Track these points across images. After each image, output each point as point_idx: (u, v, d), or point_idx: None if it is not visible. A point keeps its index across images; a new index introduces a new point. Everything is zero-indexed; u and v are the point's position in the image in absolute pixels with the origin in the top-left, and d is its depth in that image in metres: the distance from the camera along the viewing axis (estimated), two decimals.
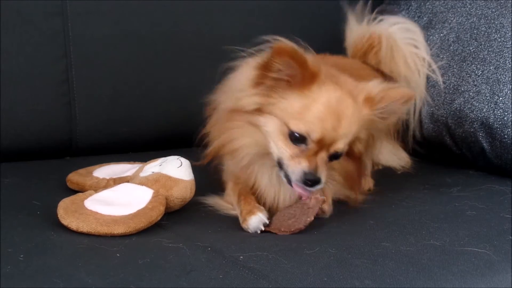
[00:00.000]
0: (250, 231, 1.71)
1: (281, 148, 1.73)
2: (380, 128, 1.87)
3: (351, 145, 1.79)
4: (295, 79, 1.72)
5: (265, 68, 1.74)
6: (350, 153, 1.82)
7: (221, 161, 1.98)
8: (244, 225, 1.73)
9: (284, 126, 1.73)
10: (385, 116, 1.81)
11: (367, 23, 2.41)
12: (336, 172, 1.86)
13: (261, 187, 1.83)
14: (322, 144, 1.71)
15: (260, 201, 1.82)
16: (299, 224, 1.69)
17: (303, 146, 1.71)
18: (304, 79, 1.72)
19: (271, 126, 1.75)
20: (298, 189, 1.73)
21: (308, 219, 1.69)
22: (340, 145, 1.73)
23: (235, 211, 1.82)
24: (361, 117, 1.76)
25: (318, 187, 1.71)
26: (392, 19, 2.42)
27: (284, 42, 1.71)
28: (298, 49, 1.70)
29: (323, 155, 1.72)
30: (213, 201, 1.89)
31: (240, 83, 1.82)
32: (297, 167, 1.70)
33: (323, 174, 1.71)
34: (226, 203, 1.87)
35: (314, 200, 1.71)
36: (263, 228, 1.71)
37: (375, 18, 2.41)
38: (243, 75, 1.83)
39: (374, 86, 1.81)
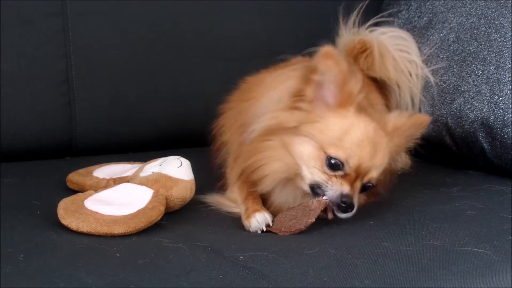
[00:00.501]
0: (251, 229, 1.71)
1: (316, 173, 1.71)
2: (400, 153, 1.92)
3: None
4: (335, 94, 1.71)
5: (309, 72, 1.72)
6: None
7: (226, 158, 1.99)
8: (246, 222, 1.73)
9: (321, 151, 1.71)
10: (406, 144, 1.87)
11: (358, 31, 2.41)
12: None
13: (275, 202, 1.82)
14: (358, 172, 1.71)
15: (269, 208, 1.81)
16: (299, 225, 1.69)
17: (340, 172, 1.70)
18: (343, 96, 1.72)
19: (306, 149, 1.72)
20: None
21: (309, 220, 1.68)
22: (374, 175, 1.73)
23: (237, 209, 1.82)
24: (391, 148, 1.79)
25: (349, 214, 1.70)
26: (384, 29, 2.42)
27: (331, 47, 1.71)
28: (342, 60, 1.71)
29: (357, 184, 1.72)
30: (213, 199, 1.89)
31: (279, 95, 1.81)
32: (338, 186, 1.69)
33: (356, 203, 1.71)
34: (228, 200, 1.87)
35: (317, 203, 1.70)
36: (265, 228, 1.71)
37: (369, 28, 2.42)
38: (282, 87, 1.83)
39: (398, 116, 1.86)
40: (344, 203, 1.68)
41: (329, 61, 1.69)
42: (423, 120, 1.90)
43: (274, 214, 1.76)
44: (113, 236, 1.61)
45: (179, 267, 1.46)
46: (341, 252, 1.55)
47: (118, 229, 1.62)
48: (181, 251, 1.54)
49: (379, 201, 1.91)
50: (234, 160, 1.90)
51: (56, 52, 2.35)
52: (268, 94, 1.87)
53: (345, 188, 1.69)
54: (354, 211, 1.70)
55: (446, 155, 2.32)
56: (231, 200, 1.87)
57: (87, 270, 1.42)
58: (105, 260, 1.48)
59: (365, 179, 1.73)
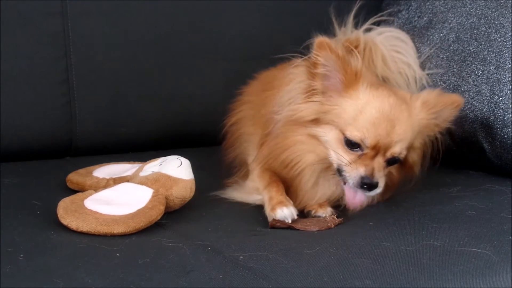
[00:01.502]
0: (277, 216, 1.73)
1: (340, 156, 1.77)
2: (433, 136, 1.91)
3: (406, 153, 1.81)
4: (341, 79, 1.76)
5: (311, 67, 1.78)
6: (403, 161, 1.84)
7: (242, 148, 2.03)
8: (272, 213, 1.75)
9: (340, 134, 1.77)
10: (438, 122, 1.87)
11: (351, 31, 2.42)
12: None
13: (303, 190, 1.85)
14: (377, 149, 1.74)
15: (291, 196, 1.84)
16: (313, 227, 1.73)
17: (359, 151, 1.75)
18: (348, 78, 1.76)
19: (329, 135, 1.79)
20: (351, 195, 1.78)
21: (329, 224, 1.74)
22: (397, 149, 1.75)
23: (257, 197, 1.85)
24: (416, 122, 1.81)
25: (377, 191, 1.75)
26: (382, 29, 2.43)
27: (324, 37, 1.76)
28: (337, 45, 1.77)
29: (379, 160, 1.75)
30: (229, 194, 1.93)
31: (292, 93, 1.85)
32: (354, 172, 1.74)
33: (380, 179, 1.74)
34: (246, 190, 1.90)
35: (332, 220, 1.75)
36: (290, 221, 1.73)
37: (369, 29, 2.42)
38: (294, 85, 1.86)
39: (429, 92, 1.88)
40: (366, 184, 1.73)
41: (324, 51, 1.74)
42: (455, 100, 1.89)
43: (302, 205, 1.83)
44: (113, 236, 1.61)
45: (179, 267, 1.46)
46: (341, 252, 1.55)
47: (118, 229, 1.62)
48: (181, 251, 1.54)
49: (378, 201, 1.91)
50: (258, 148, 1.93)
51: (56, 52, 2.35)
52: (284, 89, 1.90)
53: (361, 171, 1.73)
54: (379, 188, 1.74)
55: (446, 155, 2.32)
56: (251, 189, 1.89)
57: (87, 270, 1.42)
58: (105, 260, 1.48)
59: (388, 154, 1.75)
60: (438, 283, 1.43)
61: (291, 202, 1.80)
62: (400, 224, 1.74)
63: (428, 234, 1.66)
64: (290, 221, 1.73)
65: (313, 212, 1.82)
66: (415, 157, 1.88)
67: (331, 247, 1.57)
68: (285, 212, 1.74)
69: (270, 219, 1.75)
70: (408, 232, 1.68)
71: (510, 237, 1.63)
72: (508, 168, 2.14)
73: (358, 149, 1.75)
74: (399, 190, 1.94)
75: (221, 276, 1.43)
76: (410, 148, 1.83)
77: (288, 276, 1.43)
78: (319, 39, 1.75)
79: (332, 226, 1.73)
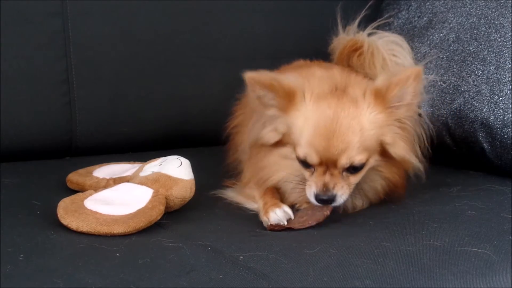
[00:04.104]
0: (270, 221, 1.72)
1: (303, 173, 1.78)
2: (410, 118, 1.82)
3: (386, 150, 1.78)
4: (279, 102, 1.76)
5: (256, 99, 1.79)
6: (390, 157, 1.81)
7: (238, 155, 2.04)
8: (264, 218, 1.74)
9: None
10: (406, 102, 1.77)
11: (354, 32, 2.42)
12: (379, 177, 1.85)
13: (290, 200, 1.86)
14: (325, 163, 1.72)
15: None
16: (311, 220, 1.72)
17: (312, 168, 1.75)
18: (283, 100, 1.75)
19: (294, 154, 1.79)
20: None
21: (325, 213, 1.73)
22: (343, 161, 1.72)
23: (254, 205, 1.84)
24: (369, 121, 1.74)
25: (336, 203, 1.73)
26: (383, 33, 2.43)
27: (250, 72, 1.76)
28: (263, 74, 1.76)
29: (334, 172, 1.73)
30: (229, 194, 1.93)
31: (254, 120, 1.88)
32: (308, 190, 1.74)
33: (340, 190, 1.72)
34: (244, 196, 1.90)
35: (327, 207, 1.75)
36: (286, 223, 1.72)
37: (370, 31, 2.43)
38: (254, 113, 1.89)
39: (380, 79, 1.79)
40: (322, 201, 1.72)
41: (252, 83, 1.76)
42: (411, 72, 1.76)
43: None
44: (113, 236, 1.61)
45: (179, 267, 1.46)
46: (341, 252, 1.55)
47: (118, 229, 1.62)
48: (181, 251, 1.54)
49: (378, 201, 1.91)
50: (247, 160, 1.95)
51: (56, 52, 2.35)
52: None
53: (313, 188, 1.73)
54: (339, 200, 1.72)
55: (446, 155, 2.32)
56: (248, 196, 1.89)
57: (87, 270, 1.42)
58: (105, 260, 1.48)
59: (339, 166, 1.72)
60: (438, 283, 1.43)
61: (286, 205, 1.78)
62: (400, 224, 1.74)
63: (428, 234, 1.66)
64: (285, 223, 1.72)
65: (297, 206, 1.82)
66: (398, 150, 1.80)
67: (331, 247, 1.57)
68: (278, 214, 1.73)
69: (265, 224, 1.74)
70: (408, 232, 1.68)
71: (510, 237, 1.63)
72: (508, 168, 2.14)
73: (311, 167, 1.75)
74: (416, 184, 1.92)
75: (221, 276, 1.43)
76: (383, 144, 1.77)
77: (288, 276, 1.43)
78: (247, 77, 1.76)
79: (328, 212, 1.72)
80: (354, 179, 1.76)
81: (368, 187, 1.85)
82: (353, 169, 1.74)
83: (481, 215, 1.79)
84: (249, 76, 1.76)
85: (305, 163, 1.76)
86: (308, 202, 1.79)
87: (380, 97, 1.75)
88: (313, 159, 1.73)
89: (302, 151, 1.74)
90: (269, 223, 1.73)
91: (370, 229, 1.72)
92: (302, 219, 1.74)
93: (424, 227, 1.71)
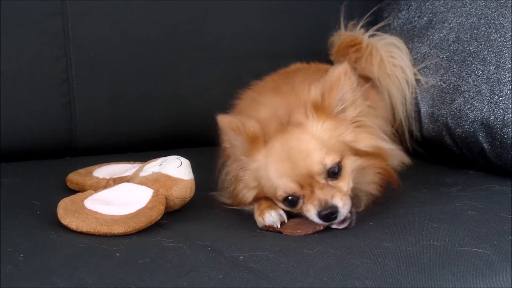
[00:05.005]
0: (266, 222, 1.72)
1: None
2: (362, 113, 1.82)
3: (356, 148, 1.78)
4: (246, 147, 1.76)
5: (232, 154, 1.80)
6: (364, 153, 1.79)
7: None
8: (260, 218, 1.74)
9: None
10: (348, 102, 1.77)
11: (354, 30, 2.46)
12: (371, 170, 1.84)
13: None
14: (306, 183, 1.70)
15: None
16: (307, 230, 1.70)
17: (300, 201, 1.72)
18: (250, 145, 1.76)
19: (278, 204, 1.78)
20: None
21: (317, 228, 1.70)
22: (316, 167, 1.69)
23: (250, 206, 1.83)
24: (319, 130, 1.75)
25: (340, 215, 1.68)
26: (383, 35, 2.45)
27: (222, 117, 1.80)
28: (233, 120, 1.78)
29: (320, 186, 1.70)
30: (224, 198, 1.90)
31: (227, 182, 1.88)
32: (310, 214, 1.69)
33: (338, 202, 1.68)
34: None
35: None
36: (279, 225, 1.72)
37: (371, 33, 2.45)
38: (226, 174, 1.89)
39: (311, 93, 1.78)
40: (326, 217, 1.68)
41: (226, 130, 1.78)
42: (339, 72, 1.75)
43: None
44: (113, 236, 1.61)
45: (179, 267, 1.46)
46: (341, 252, 1.55)
47: (118, 229, 1.62)
48: (181, 251, 1.54)
49: (379, 201, 1.91)
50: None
51: (56, 52, 2.35)
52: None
53: (312, 211, 1.68)
54: (342, 211, 1.68)
55: (446, 155, 2.32)
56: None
57: (87, 270, 1.43)
58: (105, 260, 1.48)
59: (318, 174, 1.70)
60: (438, 283, 1.43)
61: (280, 208, 1.78)
62: (400, 224, 1.74)
63: (428, 234, 1.66)
64: (279, 226, 1.72)
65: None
66: (365, 143, 1.79)
67: (331, 247, 1.57)
68: (273, 216, 1.73)
69: (259, 225, 1.74)
70: (408, 232, 1.68)
71: (510, 237, 1.63)
72: (508, 168, 2.14)
73: (295, 203, 1.72)
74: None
75: (221, 276, 1.43)
76: (346, 146, 1.76)
77: (288, 276, 1.43)
78: (220, 121, 1.78)
79: (321, 228, 1.70)
80: (343, 184, 1.73)
81: (365, 185, 1.84)
82: (333, 173, 1.72)
83: (481, 215, 1.79)
84: (221, 121, 1.78)
85: (290, 201, 1.73)
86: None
87: (319, 107, 1.76)
88: (290, 185, 1.71)
89: (278, 187, 1.72)
90: (264, 224, 1.73)
91: (370, 229, 1.72)
92: (295, 226, 1.73)
93: (424, 227, 1.71)
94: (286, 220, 1.74)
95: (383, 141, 1.87)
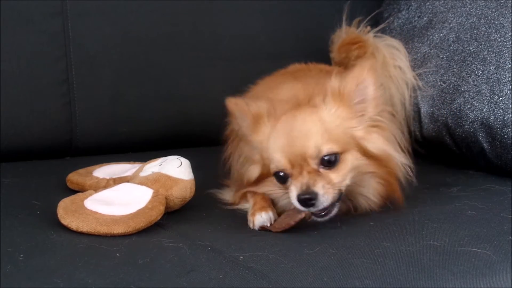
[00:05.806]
0: (255, 225, 1.73)
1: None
2: (382, 114, 1.82)
3: (364, 147, 1.77)
4: (251, 125, 1.79)
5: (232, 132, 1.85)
6: (371, 154, 1.78)
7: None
8: (250, 218, 1.74)
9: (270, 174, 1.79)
10: (369, 97, 1.77)
11: (356, 30, 2.46)
12: (374, 179, 1.82)
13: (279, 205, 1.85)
14: (298, 164, 1.70)
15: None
16: (290, 221, 1.70)
17: (289, 179, 1.72)
18: (255, 123, 1.79)
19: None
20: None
21: (299, 216, 1.70)
22: (310, 150, 1.69)
23: (246, 204, 1.84)
24: (330, 114, 1.74)
25: (319, 204, 1.67)
26: (384, 37, 2.46)
27: (229, 100, 1.84)
28: (239, 101, 1.83)
29: (309, 170, 1.69)
30: (225, 195, 1.93)
31: (235, 160, 1.91)
32: (291, 195, 1.69)
33: (320, 190, 1.67)
34: (238, 197, 1.89)
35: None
36: (269, 225, 1.73)
37: (373, 35, 2.46)
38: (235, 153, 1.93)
39: (332, 80, 1.78)
40: (304, 201, 1.67)
41: (233, 109, 1.83)
42: (361, 69, 1.77)
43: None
44: (113, 236, 1.61)
45: (179, 267, 1.47)
46: (341, 252, 1.55)
47: (118, 229, 1.62)
48: (181, 251, 1.54)
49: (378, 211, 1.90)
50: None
51: (56, 52, 2.35)
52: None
53: (294, 192, 1.68)
54: (321, 199, 1.67)
55: (446, 155, 2.32)
56: (240, 197, 1.89)
57: (87, 270, 1.42)
58: (105, 260, 1.48)
59: (310, 157, 1.70)
60: (438, 283, 1.43)
61: (273, 207, 1.79)
62: (400, 224, 1.74)
63: (428, 234, 1.66)
64: (269, 225, 1.73)
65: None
66: (375, 144, 1.78)
67: (331, 247, 1.57)
68: (264, 217, 1.73)
69: (249, 224, 1.74)
70: (408, 232, 1.68)
71: (510, 237, 1.63)
72: (508, 168, 2.14)
73: (285, 178, 1.73)
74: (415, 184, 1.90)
75: (221, 276, 1.43)
76: (357, 140, 1.76)
77: (288, 276, 1.43)
78: (228, 103, 1.84)
79: (303, 216, 1.69)
80: (335, 176, 1.71)
81: (367, 190, 1.83)
82: (327, 162, 1.71)
83: (481, 215, 1.79)
84: (230, 102, 1.83)
85: (281, 177, 1.74)
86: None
87: (337, 94, 1.76)
88: (282, 161, 1.71)
89: (272, 160, 1.74)
90: (254, 224, 1.73)
91: (370, 229, 1.72)
92: (281, 221, 1.73)
93: (424, 227, 1.71)
94: (272, 221, 1.74)
95: (395, 151, 1.84)
